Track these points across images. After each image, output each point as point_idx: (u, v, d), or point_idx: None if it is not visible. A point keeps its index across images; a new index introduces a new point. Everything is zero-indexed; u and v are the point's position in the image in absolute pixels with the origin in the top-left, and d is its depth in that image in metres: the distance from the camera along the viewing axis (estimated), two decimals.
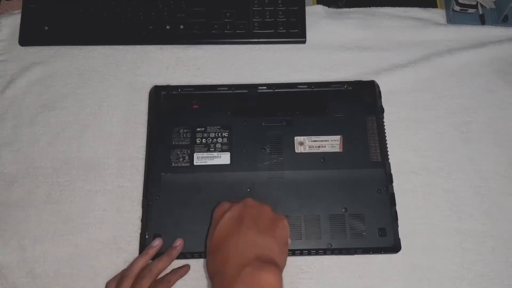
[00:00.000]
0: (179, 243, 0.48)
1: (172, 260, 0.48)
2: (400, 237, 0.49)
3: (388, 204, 0.50)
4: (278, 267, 0.39)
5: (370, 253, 0.49)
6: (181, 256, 0.49)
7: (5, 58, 0.60)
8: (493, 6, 0.60)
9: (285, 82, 0.57)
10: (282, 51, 0.60)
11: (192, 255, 0.49)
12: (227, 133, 0.54)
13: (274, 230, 0.41)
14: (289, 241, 0.45)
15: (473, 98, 0.58)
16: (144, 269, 0.46)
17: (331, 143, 0.53)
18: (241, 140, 0.53)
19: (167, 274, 0.48)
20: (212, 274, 0.40)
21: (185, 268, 0.49)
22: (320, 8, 0.62)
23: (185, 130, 0.54)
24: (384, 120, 0.55)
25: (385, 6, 0.63)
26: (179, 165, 0.52)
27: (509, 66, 0.59)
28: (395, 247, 0.49)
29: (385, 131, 0.54)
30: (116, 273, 0.49)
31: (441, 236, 0.51)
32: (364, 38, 0.61)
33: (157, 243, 0.48)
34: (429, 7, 0.63)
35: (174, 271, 0.48)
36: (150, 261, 0.47)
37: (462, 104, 0.57)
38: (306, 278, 0.49)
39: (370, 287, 0.49)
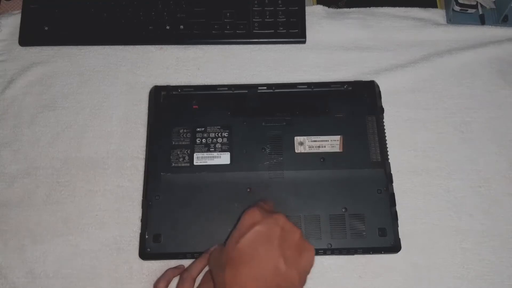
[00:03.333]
0: None
1: None
2: (400, 237, 0.49)
3: (388, 204, 0.50)
4: None
5: (370, 253, 0.49)
6: (181, 256, 0.49)
7: (5, 58, 0.60)
8: (493, 6, 0.60)
9: (285, 82, 0.57)
10: (282, 51, 0.60)
11: (192, 255, 0.49)
12: (227, 133, 0.53)
13: (299, 261, 0.40)
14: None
15: (473, 98, 0.58)
16: (207, 274, 0.46)
17: (331, 143, 0.53)
18: (241, 140, 0.53)
19: None
20: (226, 285, 0.38)
21: None
22: (320, 8, 0.62)
23: (185, 130, 0.54)
24: (384, 120, 0.55)
25: (385, 6, 0.63)
26: (179, 165, 0.52)
27: (509, 66, 0.59)
28: (395, 247, 0.49)
29: (385, 131, 0.54)
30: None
31: (441, 236, 0.51)
32: (364, 38, 0.61)
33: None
34: (429, 7, 0.63)
35: None
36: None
37: (462, 104, 0.57)
38: None
39: (370, 287, 0.49)
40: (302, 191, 0.51)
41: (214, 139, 0.53)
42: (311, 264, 0.41)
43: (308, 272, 0.41)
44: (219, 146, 0.53)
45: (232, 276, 0.38)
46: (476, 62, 0.59)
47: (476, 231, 0.51)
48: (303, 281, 0.40)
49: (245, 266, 0.38)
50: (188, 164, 0.52)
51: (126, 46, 0.60)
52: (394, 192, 0.51)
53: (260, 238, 0.40)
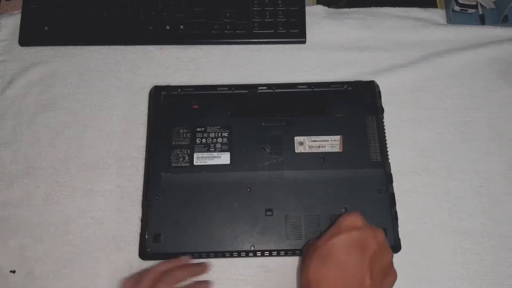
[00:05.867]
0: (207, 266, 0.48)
1: (193, 276, 0.47)
2: (400, 237, 0.49)
3: (388, 204, 0.50)
4: None
5: None
6: (181, 256, 0.49)
7: (5, 58, 0.60)
8: (493, 6, 0.60)
9: (285, 82, 0.57)
10: (282, 51, 0.60)
11: (192, 255, 0.49)
12: (227, 133, 0.53)
13: (382, 283, 0.40)
14: None
15: (473, 98, 0.58)
16: (165, 274, 0.45)
17: (331, 143, 0.53)
18: (241, 140, 0.53)
19: (188, 286, 0.46)
20: (309, 276, 0.38)
21: (206, 285, 0.47)
22: (320, 8, 0.62)
23: (185, 130, 0.54)
24: (384, 120, 0.55)
25: (385, 6, 0.63)
26: (179, 165, 0.52)
27: (509, 66, 0.59)
28: (395, 247, 0.49)
29: (385, 131, 0.54)
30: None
31: (441, 236, 0.51)
32: (364, 38, 0.61)
33: (186, 258, 0.48)
34: (429, 7, 0.63)
35: (197, 284, 0.47)
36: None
37: (462, 104, 0.57)
38: None
39: None
40: (302, 191, 0.51)
41: (214, 139, 0.53)
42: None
43: None
44: (219, 146, 0.53)
45: (318, 269, 0.39)
46: (476, 62, 0.59)
47: (476, 231, 0.51)
48: None
49: (333, 264, 0.38)
50: (188, 164, 0.52)
51: (126, 46, 0.60)
52: (394, 192, 0.51)
53: (355, 244, 0.39)
